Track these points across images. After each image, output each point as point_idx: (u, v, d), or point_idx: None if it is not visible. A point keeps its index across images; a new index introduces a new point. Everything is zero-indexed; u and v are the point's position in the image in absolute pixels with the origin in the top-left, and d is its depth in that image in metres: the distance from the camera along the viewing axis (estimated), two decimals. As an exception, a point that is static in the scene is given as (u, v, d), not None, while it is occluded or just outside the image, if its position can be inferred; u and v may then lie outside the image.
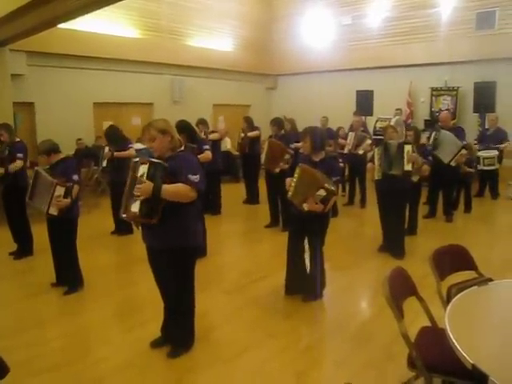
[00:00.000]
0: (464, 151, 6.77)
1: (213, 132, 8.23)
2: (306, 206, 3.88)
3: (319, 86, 13.23)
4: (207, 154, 5.90)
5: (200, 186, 3.07)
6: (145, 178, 2.94)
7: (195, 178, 3.03)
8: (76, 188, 4.42)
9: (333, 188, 3.86)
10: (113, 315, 4.15)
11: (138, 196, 2.95)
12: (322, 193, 3.81)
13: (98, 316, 4.07)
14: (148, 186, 2.91)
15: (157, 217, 2.99)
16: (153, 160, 3.02)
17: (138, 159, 3.10)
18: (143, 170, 2.97)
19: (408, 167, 5.25)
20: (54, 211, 4.29)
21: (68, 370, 3.18)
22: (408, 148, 5.27)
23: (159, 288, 3.37)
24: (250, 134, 8.52)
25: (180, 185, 2.99)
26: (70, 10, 5.86)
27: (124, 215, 3.10)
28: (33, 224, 5.78)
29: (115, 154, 6.46)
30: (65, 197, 4.28)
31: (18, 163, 5.56)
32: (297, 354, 3.37)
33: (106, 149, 6.64)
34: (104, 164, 6.73)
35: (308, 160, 4.16)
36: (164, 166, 3.01)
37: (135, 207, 2.99)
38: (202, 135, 7.12)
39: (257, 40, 14.03)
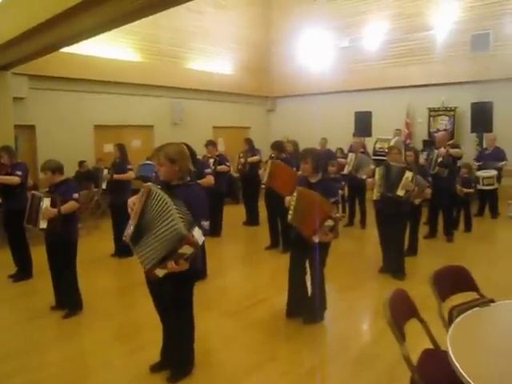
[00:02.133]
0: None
1: (218, 156, 8.09)
2: (315, 239, 3.83)
3: (318, 108, 13.33)
4: (209, 179, 5.80)
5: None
6: (184, 258, 2.82)
7: (207, 224, 2.99)
8: (74, 204, 4.43)
9: (338, 215, 3.85)
10: (112, 339, 4.11)
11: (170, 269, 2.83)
12: (330, 223, 3.80)
13: (98, 339, 4.03)
14: (184, 266, 2.84)
15: None
16: (199, 243, 2.84)
17: (184, 233, 2.72)
18: (187, 250, 2.78)
19: (400, 193, 5.23)
20: (43, 224, 4.30)
21: (66, 395, 3.15)
22: (408, 175, 5.24)
23: (158, 312, 3.34)
24: (250, 159, 8.56)
25: None
26: (73, 34, 5.95)
27: (145, 272, 2.95)
28: (33, 247, 5.77)
29: (115, 176, 6.52)
30: (52, 207, 4.30)
31: (15, 179, 5.53)
32: (298, 378, 3.33)
33: (105, 171, 6.71)
34: (104, 186, 6.77)
35: (305, 181, 4.18)
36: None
37: (161, 273, 2.87)
38: (209, 156, 7.52)
39: (256, 63, 14.23)
